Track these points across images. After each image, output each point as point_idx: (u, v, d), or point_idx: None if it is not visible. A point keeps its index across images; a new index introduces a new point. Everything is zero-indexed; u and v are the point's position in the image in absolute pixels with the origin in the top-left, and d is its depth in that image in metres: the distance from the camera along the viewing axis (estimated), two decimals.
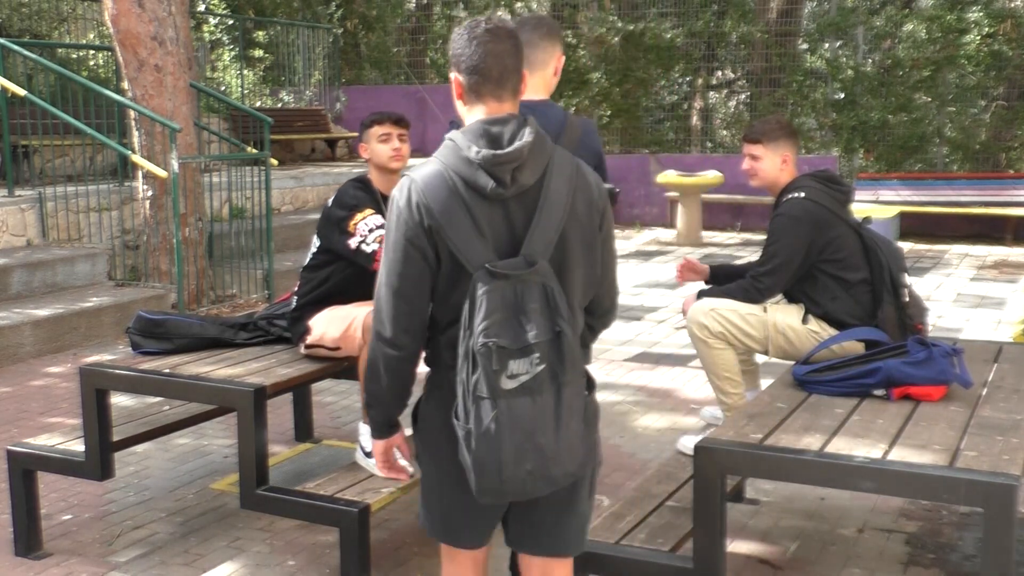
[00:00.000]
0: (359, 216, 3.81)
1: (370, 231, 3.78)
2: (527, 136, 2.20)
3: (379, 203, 3.93)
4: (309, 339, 3.90)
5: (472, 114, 2.29)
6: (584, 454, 2.28)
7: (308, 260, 4.02)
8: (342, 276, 3.92)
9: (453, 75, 2.30)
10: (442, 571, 2.58)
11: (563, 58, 3.06)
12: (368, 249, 3.77)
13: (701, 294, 4.25)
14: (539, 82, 3.02)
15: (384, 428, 2.44)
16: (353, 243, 3.79)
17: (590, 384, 2.37)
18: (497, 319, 2.12)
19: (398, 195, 2.25)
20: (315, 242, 4.00)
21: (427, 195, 2.20)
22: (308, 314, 3.94)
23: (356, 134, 13.79)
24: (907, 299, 3.93)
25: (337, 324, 3.82)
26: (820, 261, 3.95)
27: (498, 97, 2.27)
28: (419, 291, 2.25)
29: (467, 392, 2.14)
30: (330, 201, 3.96)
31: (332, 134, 14.28)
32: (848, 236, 3.99)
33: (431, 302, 2.29)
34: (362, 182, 3.99)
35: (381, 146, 3.94)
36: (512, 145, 2.19)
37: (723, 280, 4.39)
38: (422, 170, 2.25)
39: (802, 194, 3.98)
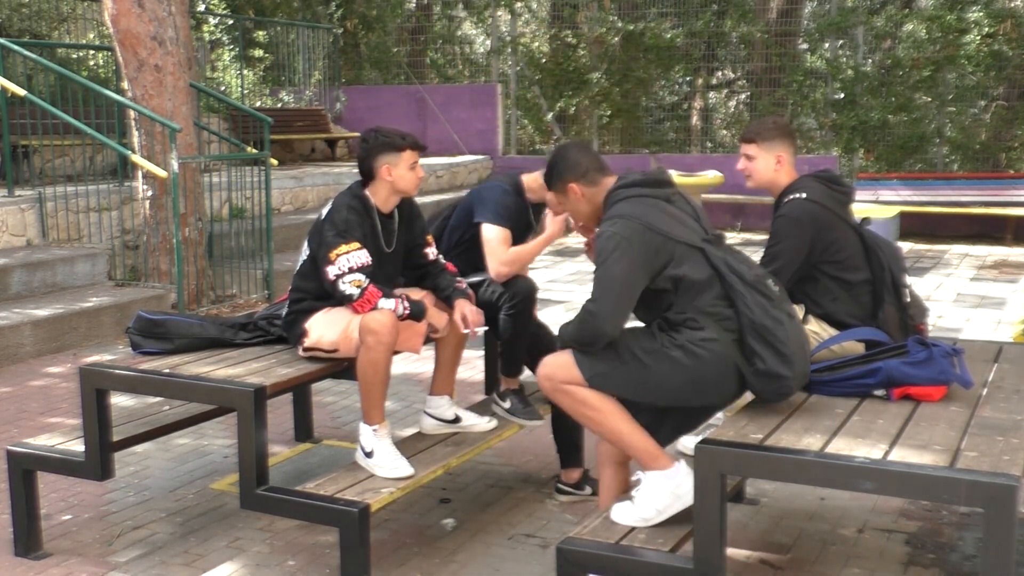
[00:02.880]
0: (344, 248, 3.71)
1: (349, 270, 3.69)
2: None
3: (374, 222, 3.86)
4: (306, 343, 3.88)
5: None
6: None
7: (299, 266, 3.99)
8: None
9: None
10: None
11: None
12: (346, 290, 3.69)
13: None
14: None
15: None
16: (331, 273, 3.71)
17: None
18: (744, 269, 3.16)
19: (628, 216, 3.17)
20: (305, 249, 3.96)
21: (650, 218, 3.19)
22: (302, 318, 3.92)
23: (356, 134, 13.79)
24: (908, 299, 3.93)
25: (334, 327, 3.80)
26: (821, 262, 3.94)
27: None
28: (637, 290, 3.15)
29: (765, 313, 3.07)
30: (324, 211, 3.87)
31: (332, 134, 14.28)
32: (849, 237, 3.98)
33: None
34: (360, 200, 3.86)
35: (410, 174, 3.86)
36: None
37: None
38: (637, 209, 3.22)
39: (803, 195, 3.97)
